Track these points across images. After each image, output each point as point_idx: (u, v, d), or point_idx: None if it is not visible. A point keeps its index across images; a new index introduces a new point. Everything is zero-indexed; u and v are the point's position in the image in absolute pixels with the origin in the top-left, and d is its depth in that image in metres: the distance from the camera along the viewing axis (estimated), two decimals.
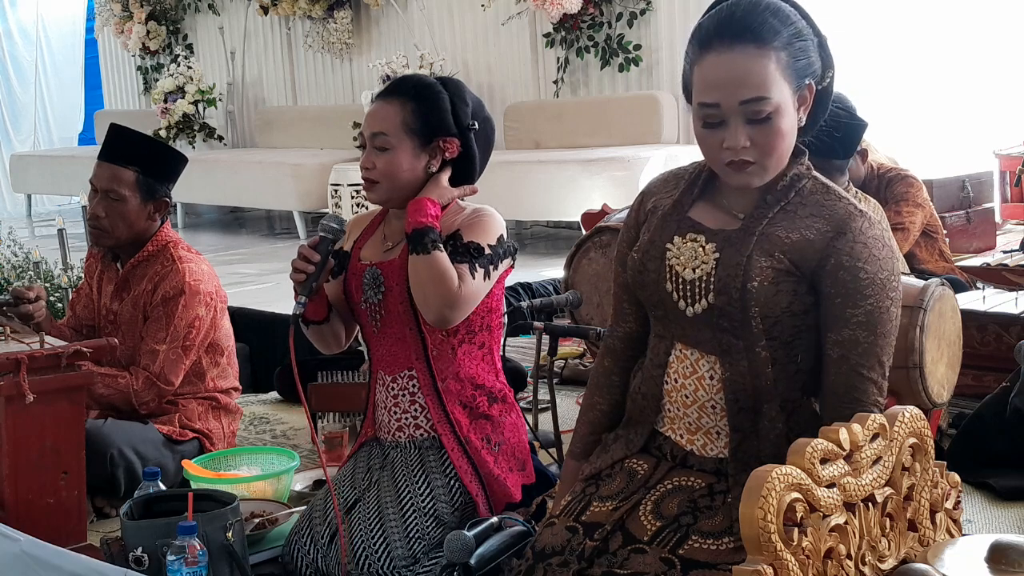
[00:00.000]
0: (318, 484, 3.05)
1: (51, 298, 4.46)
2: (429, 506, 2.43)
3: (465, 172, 2.55)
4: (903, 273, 2.73)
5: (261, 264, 7.01)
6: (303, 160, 8.26)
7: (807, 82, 1.84)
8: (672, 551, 1.81)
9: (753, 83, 1.78)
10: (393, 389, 2.55)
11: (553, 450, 3.04)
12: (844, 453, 1.63)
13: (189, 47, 10.72)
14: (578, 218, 5.68)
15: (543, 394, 3.30)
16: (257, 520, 2.65)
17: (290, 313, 2.42)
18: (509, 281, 2.90)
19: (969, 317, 3.11)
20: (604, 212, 4.81)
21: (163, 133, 9.45)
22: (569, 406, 3.64)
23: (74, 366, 2.59)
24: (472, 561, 2.08)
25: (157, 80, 10.28)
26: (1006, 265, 4.30)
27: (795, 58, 1.81)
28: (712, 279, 1.87)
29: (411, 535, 2.38)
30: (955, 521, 1.90)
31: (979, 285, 4.16)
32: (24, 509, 2.53)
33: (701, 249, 1.91)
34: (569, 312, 3.61)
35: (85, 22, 12.38)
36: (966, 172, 5.80)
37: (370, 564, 2.35)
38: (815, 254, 1.84)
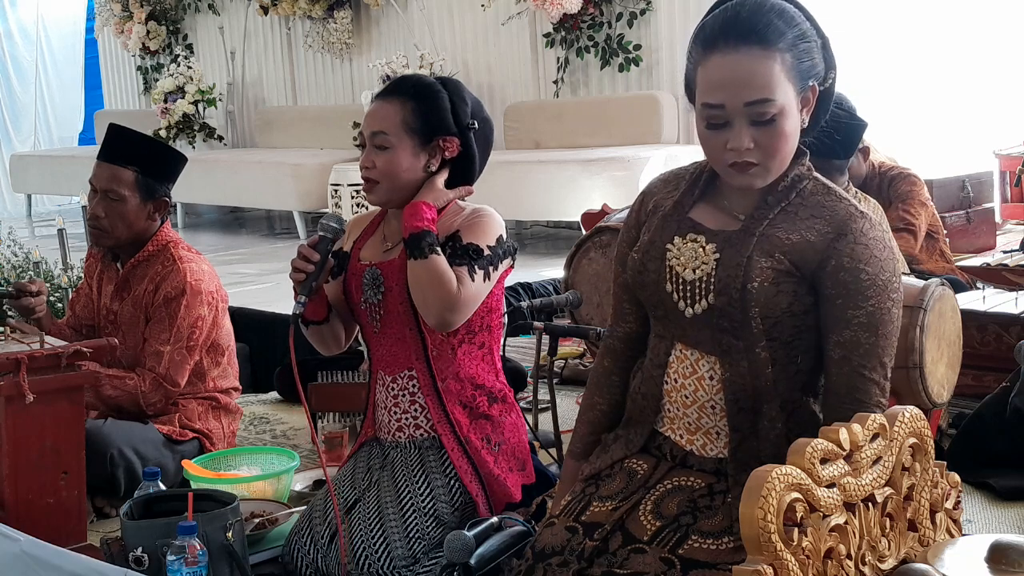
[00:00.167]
0: (318, 484, 3.05)
1: (51, 298, 4.46)
2: (429, 506, 2.43)
3: (465, 172, 2.55)
4: (903, 273, 2.72)
5: (261, 264, 7.01)
6: (303, 160, 8.26)
7: (811, 84, 1.84)
8: (672, 551, 1.81)
9: (758, 85, 1.78)
10: (393, 389, 2.55)
11: (553, 450, 3.04)
12: (844, 453, 1.63)
13: (189, 47, 10.72)
14: (578, 218, 5.68)
15: (543, 394, 3.30)
16: (257, 520, 2.65)
17: (290, 313, 2.42)
18: (509, 281, 2.90)
19: (969, 317, 3.11)
20: (604, 212, 4.81)
21: (163, 133, 9.45)
22: (569, 406, 3.64)
23: (74, 366, 2.58)
24: (472, 561, 2.08)
25: (157, 80, 10.28)
26: (1006, 265, 4.30)
27: (799, 60, 1.81)
28: (712, 280, 1.87)
29: (411, 535, 2.38)
30: (955, 521, 1.90)
31: (979, 285, 4.16)
32: (24, 509, 2.53)
33: (701, 250, 1.91)
34: (569, 312, 3.61)
35: (85, 22, 12.38)
36: (966, 172, 5.80)
37: (370, 564, 2.34)
38: (815, 255, 1.84)
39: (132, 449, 2.96)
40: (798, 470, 1.55)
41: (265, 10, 9.30)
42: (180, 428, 3.13)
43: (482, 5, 7.54)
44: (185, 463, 2.97)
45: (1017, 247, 4.86)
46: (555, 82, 7.62)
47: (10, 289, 3.13)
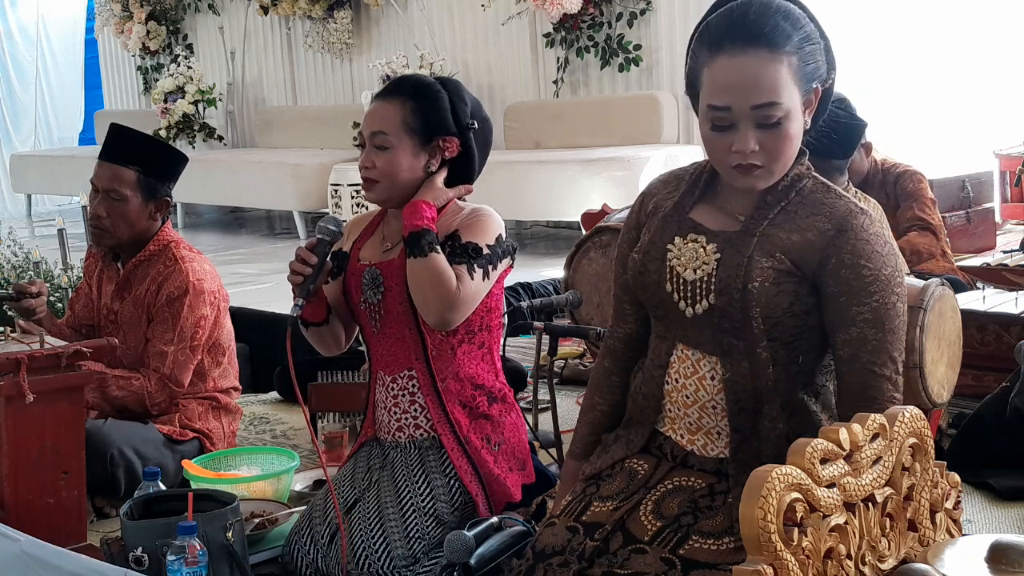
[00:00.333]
0: (318, 484, 3.05)
1: (51, 298, 4.46)
2: (429, 506, 2.43)
3: (464, 172, 2.55)
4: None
5: (261, 264, 7.01)
6: (303, 160, 8.26)
7: (814, 86, 1.84)
8: (673, 551, 1.81)
9: (765, 88, 1.78)
10: (393, 389, 2.55)
11: (553, 450, 3.04)
12: (844, 453, 1.62)
13: (189, 47, 10.71)
14: (578, 218, 5.68)
15: (543, 394, 3.30)
16: (257, 520, 2.66)
17: (288, 314, 2.42)
18: (509, 281, 2.91)
19: (969, 317, 3.10)
20: (604, 212, 4.81)
21: (163, 133, 9.44)
22: (569, 406, 3.64)
23: (74, 366, 2.59)
24: (472, 561, 2.08)
25: (157, 80, 10.28)
26: (1006, 265, 4.30)
27: (805, 62, 1.81)
28: (713, 280, 1.87)
29: (411, 535, 2.38)
30: (955, 521, 1.90)
31: (979, 285, 4.15)
32: (24, 509, 2.53)
33: (702, 250, 1.91)
34: (569, 312, 3.61)
35: (85, 22, 12.38)
36: (966, 172, 5.79)
37: (370, 564, 2.34)
38: (816, 254, 1.84)
39: (132, 449, 2.96)
40: (798, 470, 1.55)
41: (265, 10, 9.30)
42: (180, 428, 3.13)
43: (482, 5, 7.54)
44: (185, 463, 2.97)
45: (1017, 247, 4.86)
46: (555, 82, 7.62)
47: (10, 292, 3.13)
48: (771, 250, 1.85)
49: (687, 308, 1.90)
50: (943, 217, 4.83)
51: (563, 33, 7.37)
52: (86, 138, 12.46)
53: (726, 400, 1.89)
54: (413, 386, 2.53)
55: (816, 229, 1.85)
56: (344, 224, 2.53)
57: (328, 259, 2.44)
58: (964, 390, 3.19)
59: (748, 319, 1.84)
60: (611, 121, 7.14)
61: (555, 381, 3.39)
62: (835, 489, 1.61)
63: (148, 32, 10.67)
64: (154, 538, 2.25)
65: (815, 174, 1.94)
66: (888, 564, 1.70)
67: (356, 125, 7.77)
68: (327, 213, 7.40)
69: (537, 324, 3.03)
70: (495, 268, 2.47)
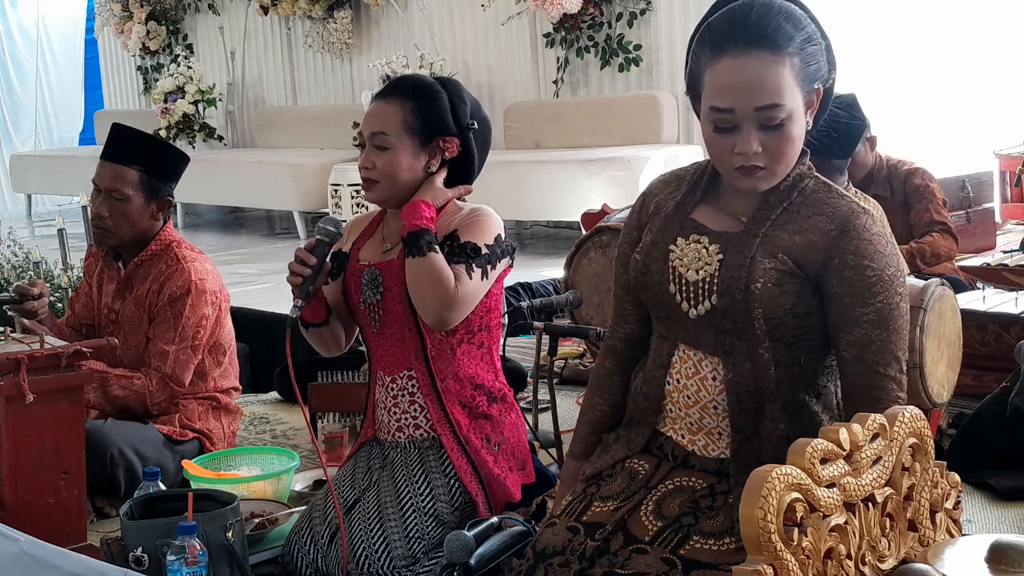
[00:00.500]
0: (318, 484, 3.05)
1: (51, 298, 4.46)
2: (429, 506, 2.43)
3: (463, 172, 2.55)
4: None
5: (261, 264, 7.01)
6: (303, 160, 8.26)
7: (816, 86, 1.84)
8: (673, 551, 1.81)
9: (768, 89, 1.78)
10: (392, 389, 2.55)
11: (553, 450, 3.04)
12: (844, 453, 1.62)
13: (189, 47, 10.72)
14: (578, 218, 5.68)
15: (543, 394, 3.30)
16: (257, 520, 2.65)
17: (288, 314, 2.42)
18: (509, 281, 2.91)
19: (969, 317, 3.10)
20: (604, 212, 4.81)
21: (163, 133, 9.44)
22: (569, 406, 3.64)
23: (74, 366, 2.58)
24: (472, 561, 2.08)
25: (157, 80, 10.29)
26: (1006, 265, 4.30)
27: (807, 64, 1.81)
28: (715, 281, 1.87)
29: (411, 535, 2.38)
30: (955, 521, 1.89)
31: (979, 285, 4.15)
32: (24, 509, 2.53)
33: (704, 251, 1.91)
34: (569, 312, 3.61)
35: (85, 22, 12.38)
36: (966, 172, 5.80)
37: (370, 564, 2.34)
38: (819, 255, 1.84)
39: (132, 449, 2.96)
40: (798, 470, 1.55)
41: (265, 10, 9.30)
42: (180, 428, 3.13)
43: (482, 5, 7.54)
44: (185, 463, 2.97)
45: (1017, 247, 4.86)
46: (555, 82, 7.62)
47: (13, 295, 3.12)
48: (773, 251, 1.85)
49: (689, 309, 1.90)
50: None
51: (563, 33, 7.37)
52: (86, 138, 12.47)
53: (727, 401, 1.89)
54: (413, 386, 2.53)
55: (819, 230, 1.85)
56: (344, 224, 2.53)
57: (328, 260, 2.44)
58: (964, 390, 3.20)
59: (750, 320, 1.84)
60: (611, 121, 7.14)
61: (555, 381, 3.39)
62: (835, 489, 1.61)
63: (148, 32, 10.67)
64: (154, 538, 2.25)
65: (817, 174, 1.94)
66: (888, 564, 1.70)
67: (356, 125, 7.77)
68: (327, 213, 7.41)
69: (537, 324, 3.03)
70: (494, 268, 2.47)
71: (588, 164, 6.52)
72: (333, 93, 9.49)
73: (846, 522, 1.63)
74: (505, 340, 2.82)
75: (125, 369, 3.07)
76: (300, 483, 3.07)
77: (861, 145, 4.15)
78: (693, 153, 6.55)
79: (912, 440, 1.74)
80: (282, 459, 3.06)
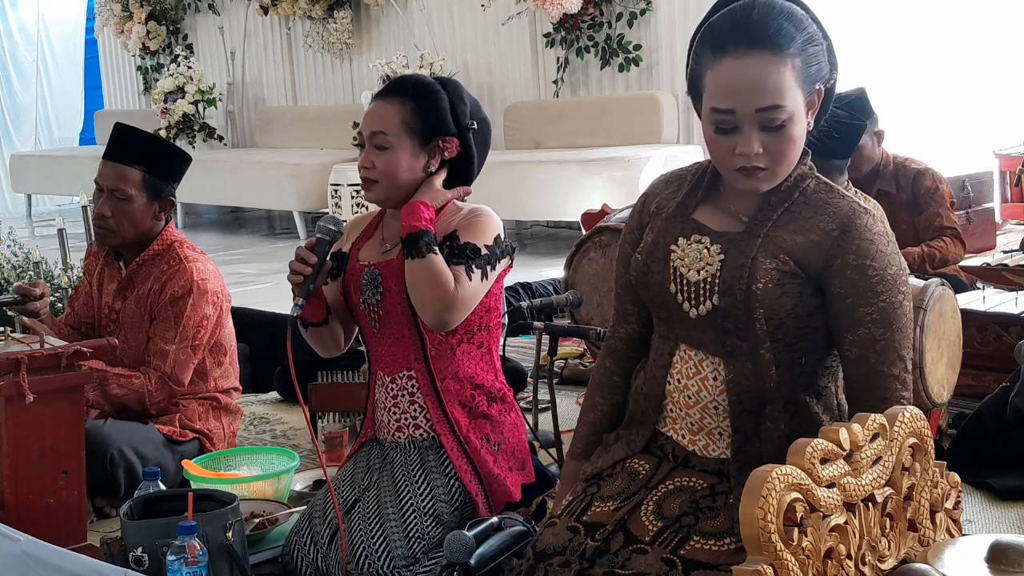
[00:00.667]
0: (318, 484, 3.05)
1: (51, 298, 4.46)
2: (429, 506, 2.43)
3: (463, 172, 2.55)
4: None
5: (261, 264, 7.01)
6: (303, 160, 8.26)
7: (817, 87, 1.84)
8: (674, 552, 1.81)
9: (770, 91, 1.78)
10: (392, 389, 2.55)
11: (553, 450, 3.04)
12: (844, 453, 1.62)
13: (189, 47, 10.72)
14: (578, 218, 5.68)
15: (543, 394, 3.30)
16: (257, 520, 2.65)
17: (288, 314, 2.42)
18: (509, 281, 2.91)
19: (969, 317, 3.11)
20: (604, 212, 4.81)
21: (163, 133, 9.44)
22: (569, 406, 3.64)
23: (74, 366, 2.58)
24: (472, 561, 2.08)
25: (157, 80, 10.29)
26: (1006, 265, 4.29)
27: (808, 64, 1.81)
28: (716, 281, 1.87)
29: (411, 535, 2.38)
30: (955, 521, 1.89)
31: (979, 285, 4.15)
32: (24, 509, 2.53)
33: (706, 251, 1.91)
34: (569, 312, 3.61)
35: (85, 22, 12.38)
36: (966, 172, 5.80)
37: (370, 564, 2.34)
38: (821, 255, 1.84)
39: (132, 449, 2.96)
40: (798, 470, 1.55)
41: (265, 10, 9.30)
42: (180, 428, 3.13)
43: (482, 5, 7.54)
44: (185, 463, 2.97)
45: (1017, 247, 4.86)
46: (555, 82, 7.62)
47: (15, 296, 3.13)
48: (775, 251, 1.85)
49: (691, 309, 1.90)
50: None
51: (563, 33, 7.37)
52: (86, 138, 12.47)
53: (728, 401, 1.89)
54: (412, 386, 2.53)
55: (820, 230, 1.85)
56: (344, 224, 2.53)
57: (328, 259, 2.44)
58: (964, 390, 3.20)
59: (752, 320, 1.84)
60: (611, 121, 7.14)
61: (555, 381, 3.39)
62: (835, 489, 1.61)
63: (148, 32, 10.67)
64: (154, 538, 2.25)
65: (818, 175, 1.94)
66: (888, 564, 1.70)
67: (356, 125, 7.77)
68: (327, 213, 7.40)
69: (537, 324, 3.03)
70: (493, 268, 2.47)
71: (588, 164, 6.53)
72: (333, 93, 9.49)
73: (846, 522, 1.63)
74: (505, 340, 2.82)
75: (124, 368, 3.07)
76: (300, 483, 3.07)
77: (868, 139, 4.15)
78: (693, 153, 6.55)
79: (912, 440, 1.74)
80: (282, 459, 3.06)
